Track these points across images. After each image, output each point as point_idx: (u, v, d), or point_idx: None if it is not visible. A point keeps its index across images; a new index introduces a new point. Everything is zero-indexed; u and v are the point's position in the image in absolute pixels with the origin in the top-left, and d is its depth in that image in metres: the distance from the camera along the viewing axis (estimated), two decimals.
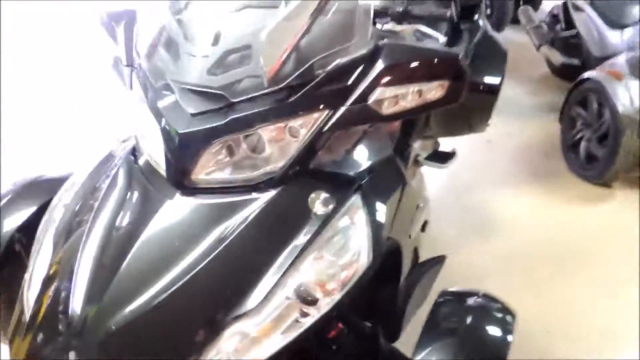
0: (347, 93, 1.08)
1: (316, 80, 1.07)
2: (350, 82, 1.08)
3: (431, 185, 2.82)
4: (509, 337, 1.11)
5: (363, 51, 1.10)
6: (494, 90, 2.10)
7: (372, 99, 1.07)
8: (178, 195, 1.11)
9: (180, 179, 1.10)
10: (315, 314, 1.03)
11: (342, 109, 1.08)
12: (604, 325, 1.97)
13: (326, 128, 1.09)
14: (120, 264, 1.04)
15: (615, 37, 3.16)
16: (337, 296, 1.05)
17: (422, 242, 1.93)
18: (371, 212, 1.16)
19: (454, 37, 2.22)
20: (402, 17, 1.48)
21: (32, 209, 1.44)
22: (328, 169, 1.19)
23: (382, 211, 1.19)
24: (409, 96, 1.09)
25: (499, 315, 1.17)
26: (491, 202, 2.69)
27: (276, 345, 1.00)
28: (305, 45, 1.09)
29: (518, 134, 3.43)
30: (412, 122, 1.93)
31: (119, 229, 1.10)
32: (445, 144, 2.86)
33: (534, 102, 3.96)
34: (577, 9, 3.62)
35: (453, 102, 1.15)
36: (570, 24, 3.82)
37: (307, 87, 1.07)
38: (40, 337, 1.09)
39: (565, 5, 3.89)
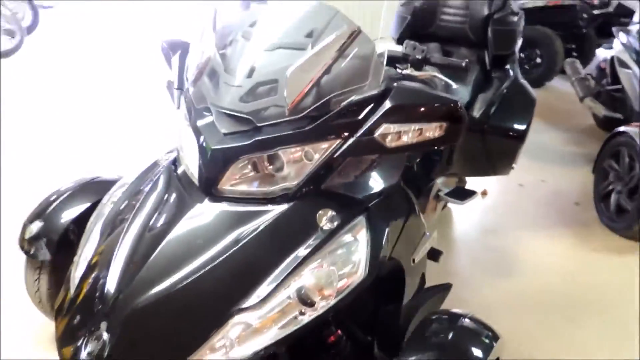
0: (357, 126, 1.25)
1: (331, 114, 1.25)
2: (360, 117, 1.25)
3: (459, 223, 2.93)
4: (488, 357, 1.21)
5: (374, 92, 1.27)
6: (519, 136, 2.21)
7: (377, 133, 1.24)
8: (206, 201, 1.30)
9: (209, 187, 1.29)
10: (311, 315, 1.18)
11: (352, 140, 1.25)
12: None
13: (337, 154, 1.26)
14: (149, 255, 1.23)
15: None
16: (332, 301, 1.19)
17: (439, 273, 2.03)
18: (373, 232, 1.30)
19: (484, 83, 2.37)
20: (421, 64, 1.64)
21: (86, 205, 1.67)
22: (338, 190, 1.34)
23: (383, 232, 1.33)
24: (410, 133, 1.25)
25: (482, 336, 1.28)
26: (515, 245, 2.75)
27: (274, 337, 1.15)
28: (324, 83, 1.27)
29: (552, 181, 3.46)
30: (431, 159, 2.07)
31: (153, 226, 1.30)
32: (478, 184, 2.98)
33: (573, 151, 3.98)
34: (623, 64, 3.66)
35: (451, 142, 1.29)
36: (616, 78, 3.85)
37: (323, 119, 1.24)
38: (79, 311, 1.29)
39: (612, 60, 3.93)
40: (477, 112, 2.21)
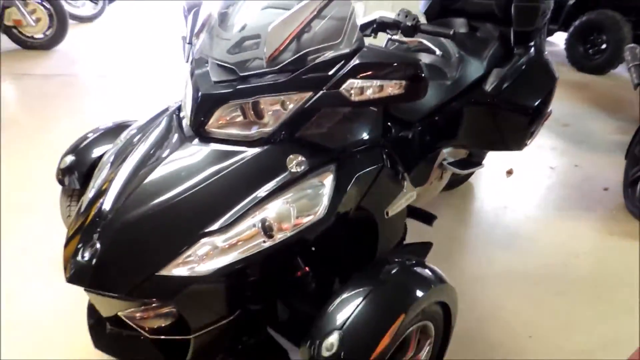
0: (327, 80, 1.38)
1: (305, 68, 1.39)
2: (331, 72, 1.38)
3: (480, 199, 2.97)
4: (424, 295, 1.33)
5: (346, 50, 1.39)
6: (529, 112, 2.23)
7: (342, 87, 1.36)
8: (196, 141, 1.49)
9: (198, 128, 1.48)
10: (270, 244, 1.34)
11: (320, 93, 1.38)
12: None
13: (307, 105, 1.40)
14: (140, 183, 1.43)
15: None
16: (288, 234, 1.35)
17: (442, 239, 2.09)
18: (339, 179, 1.44)
19: (504, 59, 2.39)
20: (411, 31, 1.73)
21: (110, 143, 1.91)
22: (312, 140, 1.48)
23: (349, 181, 1.47)
24: (371, 89, 1.37)
25: (425, 277, 1.40)
26: (531, 223, 2.75)
27: (235, 258, 1.32)
28: (302, 39, 1.41)
29: (586, 166, 3.38)
30: (438, 129, 2.14)
31: (149, 158, 1.50)
32: (504, 163, 3.00)
33: (618, 139, 3.83)
34: None
35: (410, 99, 1.40)
36: None
37: (298, 72, 1.38)
38: (83, 228, 1.51)
39: None
40: (488, 86, 2.25)
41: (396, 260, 1.46)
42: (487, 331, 2.04)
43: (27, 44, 5.28)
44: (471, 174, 3.06)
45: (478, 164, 2.39)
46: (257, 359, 1.57)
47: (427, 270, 1.43)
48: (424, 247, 1.95)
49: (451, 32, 1.71)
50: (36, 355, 1.82)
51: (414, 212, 2.17)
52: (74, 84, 4.44)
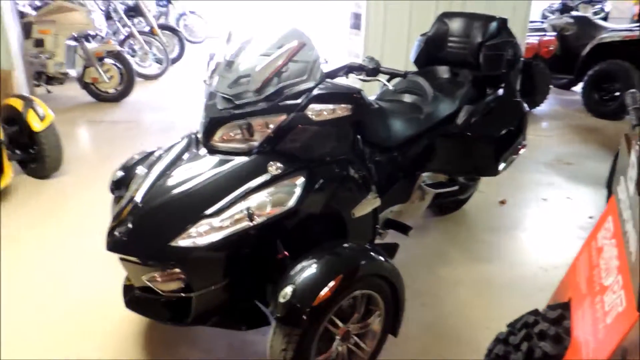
0: (297, 106, 1.89)
1: (282, 97, 1.91)
2: (300, 100, 1.89)
3: (473, 219, 3.31)
4: (360, 264, 1.76)
5: (311, 84, 1.91)
6: (491, 141, 2.64)
7: (307, 110, 1.87)
8: (204, 151, 2.02)
9: (206, 142, 2.01)
10: (252, 225, 1.81)
11: (292, 115, 1.89)
12: None
13: (283, 124, 1.91)
14: (163, 181, 1.96)
15: None
16: (264, 218, 1.82)
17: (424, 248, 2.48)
18: (309, 182, 1.92)
19: (476, 98, 2.82)
20: (373, 72, 2.23)
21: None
22: (290, 152, 1.97)
23: (316, 183, 1.94)
24: (326, 111, 1.87)
25: (368, 254, 1.84)
26: (510, 241, 3.08)
27: (226, 234, 1.80)
28: (280, 76, 1.93)
29: (577, 198, 3.67)
30: (416, 157, 2.57)
31: (171, 165, 2.04)
32: (498, 195, 3.34)
33: None
34: None
35: (356, 118, 1.88)
36: None
37: (276, 101, 1.91)
38: (120, 213, 2.02)
39: None
40: (459, 120, 2.68)
41: (349, 243, 1.89)
42: (452, 323, 2.37)
43: (101, 97, 6.21)
44: (464, 201, 3.43)
45: (452, 184, 2.79)
46: (244, 320, 2.00)
47: (372, 252, 1.86)
48: (391, 248, 2.35)
49: (403, 72, 2.19)
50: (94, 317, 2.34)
51: (392, 223, 2.59)
52: (135, 128, 5.26)
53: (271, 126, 1.93)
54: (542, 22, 6.60)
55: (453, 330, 2.33)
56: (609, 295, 1.22)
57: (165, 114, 5.77)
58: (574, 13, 6.72)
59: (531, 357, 1.37)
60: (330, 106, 1.88)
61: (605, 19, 8.18)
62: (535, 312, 1.50)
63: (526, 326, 1.45)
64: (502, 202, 3.57)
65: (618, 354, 1.09)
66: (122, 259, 1.95)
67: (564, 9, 6.94)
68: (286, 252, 1.98)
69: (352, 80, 2.37)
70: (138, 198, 1.97)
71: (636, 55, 5.20)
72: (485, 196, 3.63)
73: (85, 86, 6.12)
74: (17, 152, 3.80)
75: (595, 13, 7.86)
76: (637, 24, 5.77)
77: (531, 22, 6.45)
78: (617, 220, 1.38)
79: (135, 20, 8.02)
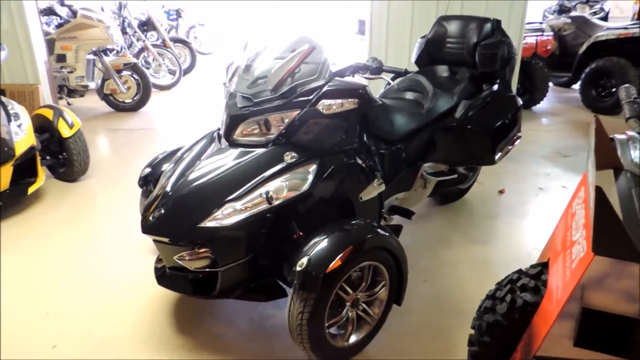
0: (309, 102, 2.14)
1: (296, 94, 2.16)
2: (311, 97, 2.15)
3: (472, 208, 3.53)
4: (367, 237, 2.00)
5: (321, 82, 2.17)
6: (487, 132, 2.87)
7: (318, 105, 2.12)
8: (227, 145, 2.28)
9: (228, 137, 2.27)
10: (270, 207, 2.06)
11: (305, 109, 2.14)
12: None
13: (296, 119, 2.16)
14: (191, 171, 2.22)
15: None
16: (281, 201, 2.07)
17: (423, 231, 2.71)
18: (320, 169, 2.17)
19: (473, 93, 3.06)
20: (377, 71, 2.48)
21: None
22: (303, 143, 2.22)
23: (327, 170, 2.18)
24: (335, 105, 2.12)
25: (374, 229, 2.08)
26: (511, 226, 3.30)
27: (248, 215, 2.05)
28: (294, 76, 2.19)
29: (573, 187, 3.87)
30: (419, 149, 2.81)
31: (197, 158, 2.30)
32: (498, 185, 3.57)
33: None
34: None
35: (361, 111, 2.12)
36: None
37: (290, 98, 2.17)
38: (153, 201, 2.27)
39: None
40: (457, 114, 2.92)
41: (357, 220, 2.13)
42: (451, 296, 2.59)
43: (119, 107, 6.52)
44: (465, 191, 3.66)
45: (451, 173, 3.02)
46: (264, 293, 2.24)
47: (378, 229, 2.09)
48: (396, 229, 2.59)
49: (403, 70, 2.44)
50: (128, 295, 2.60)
51: (397, 209, 2.82)
52: (152, 134, 5.58)
53: (286, 120, 2.19)
54: (542, 23, 6.82)
55: (452, 302, 2.55)
56: (576, 247, 1.44)
57: (180, 121, 6.08)
58: (572, 13, 6.94)
59: (514, 306, 1.59)
60: (339, 101, 2.14)
61: (605, 18, 8.38)
62: (519, 271, 1.73)
63: (511, 282, 1.68)
64: (501, 192, 3.80)
65: (578, 292, 1.31)
66: (155, 241, 2.21)
67: (561, 10, 7.15)
68: (300, 232, 2.22)
69: (358, 79, 2.62)
70: (168, 187, 2.22)
71: (631, 52, 5.41)
72: (485, 187, 3.86)
73: (105, 97, 6.44)
74: (48, 157, 4.09)
75: (595, 13, 8.06)
76: (632, 23, 5.97)
77: (531, 22, 6.69)
78: (587, 188, 1.61)
79: (148, 34, 8.37)
